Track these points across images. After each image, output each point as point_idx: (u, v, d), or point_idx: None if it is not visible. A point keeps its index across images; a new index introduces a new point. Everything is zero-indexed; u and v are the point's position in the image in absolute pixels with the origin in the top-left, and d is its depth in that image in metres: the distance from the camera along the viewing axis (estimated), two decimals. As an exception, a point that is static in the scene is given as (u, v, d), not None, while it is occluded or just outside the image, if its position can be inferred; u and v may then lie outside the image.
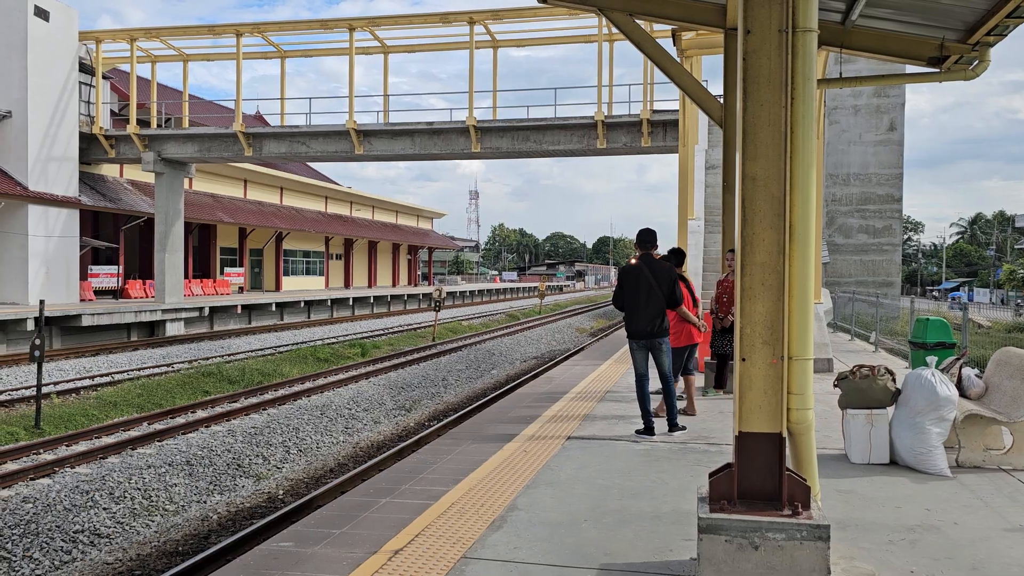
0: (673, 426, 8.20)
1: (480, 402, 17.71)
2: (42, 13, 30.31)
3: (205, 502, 10.98)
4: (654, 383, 8.68)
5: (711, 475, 4.36)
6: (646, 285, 8.15)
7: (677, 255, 9.90)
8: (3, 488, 10.76)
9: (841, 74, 11.70)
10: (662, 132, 28.46)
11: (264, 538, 8.30)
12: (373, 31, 31.13)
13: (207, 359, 24.25)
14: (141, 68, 34.34)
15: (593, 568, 4.55)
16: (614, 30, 25.02)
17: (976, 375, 7.67)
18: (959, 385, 7.48)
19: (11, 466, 11.77)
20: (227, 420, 15.51)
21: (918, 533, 5.17)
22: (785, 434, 4.27)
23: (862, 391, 7.15)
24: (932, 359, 7.16)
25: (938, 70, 9.32)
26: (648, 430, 8.12)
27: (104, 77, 34.20)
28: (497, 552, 4.80)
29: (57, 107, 31.19)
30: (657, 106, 28.76)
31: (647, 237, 8.47)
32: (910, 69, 10.36)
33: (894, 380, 7.19)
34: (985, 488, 6.26)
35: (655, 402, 8.97)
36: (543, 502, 5.82)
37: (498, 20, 29.81)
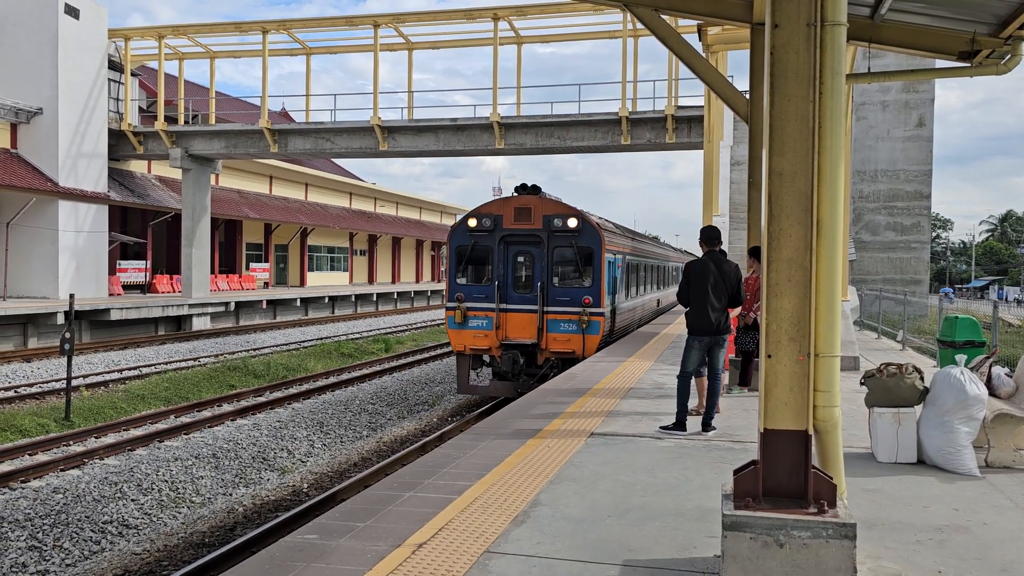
0: (707, 425, 8.16)
1: (502, 397, 17.73)
2: (72, 11, 30.69)
3: (231, 494, 11.09)
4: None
5: (736, 472, 4.33)
6: (712, 281, 8.08)
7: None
8: (34, 479, 10.93)
9: (870, 69, 11.56)
10: (687, 128, 28.29)
11: (289, 530, 8.37)
12: (398, 27, 31.20)
13: (233, 353, 24.49)
14: (169, 65, 34.67)
15: (616, 564, 4.54)
16: (639, 25, 24.88)
17: (1007, 374, 7.55)
18: (989, 384, 7.38)
19: (42, 457, 11.96)
20: (252, 414, 15.66)
21: (946, 533, 5.11)
22: (811, 431, 4.24)
23: (889, 389, 7.07)
24: (961, 357, 7.06)
25: (969, 65, 9.18)
26: (680, 425, 8.08)
27: (133, 74, 34.57)
28: (520, 547, 4.81)
29: (87, 104, 31.57)
30: (682, 102, 28.59)
31: (713, 234, 8.43)
32: (940, 64, 10.22)
33: (922, 378, 7.11)
34: (1015, 489, 6.17)
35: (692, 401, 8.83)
36: (566, 498, 5.82)
37: (522, 16, 29.77)
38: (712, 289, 8.08)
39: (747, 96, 10.36)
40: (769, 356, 4.27)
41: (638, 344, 17.01)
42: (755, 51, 9.89)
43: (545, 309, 15.30)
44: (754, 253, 9.91)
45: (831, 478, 4.22)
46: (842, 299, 4.66)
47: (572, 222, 15.28)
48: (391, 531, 5.07)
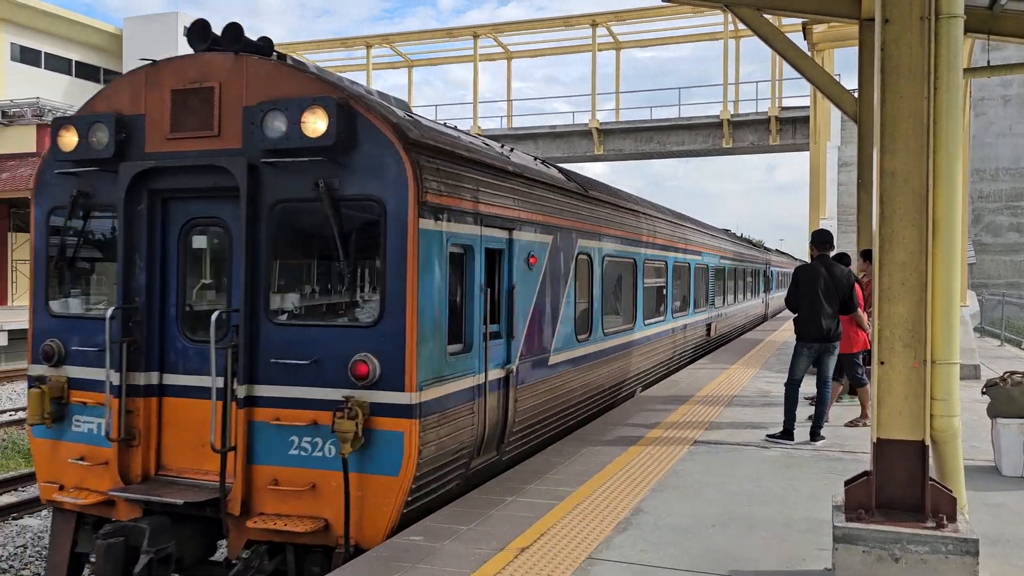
0: (816, 434, 7.93)
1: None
2: (190, 33, 32.40)
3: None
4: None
5: (847, 483, 4.21)
6: (824, 286, 7.89)
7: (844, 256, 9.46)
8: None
9: (989, 62, 11.00)
10: (791, 129, 27.58)
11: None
12: (497, 37, 31.62)
13: None
14: (278, 82, 36.12)
15: (722, 574, 4.46)
16: (740, 26, 24.42)
17: None
18: None
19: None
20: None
21: (1079, 552, 4.80)
22: (928, 442, 4.07)
23: (1014, 399, 6.71)
24: (1095, 366, 6.63)
25: (1101, 54, 8.63)
26: (788, 434, 7.88)
27: (245, 91, 36.17)
28: (623, 554, 4.78)
29: (203, 121, 33.17)
30: (786, 103, 27.95)
31: (824, 237, 8.23)
32: (1068, 54, 9.64)
33: (1051, 388, 6.71)
34: None
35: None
36: (669, 506, 5.75)
37: (621, 21, 29.72)
38: (823, 294, 7.86)
39: (856, 95, 10.03)
40: (882, 363, 4.14)
41: (742, 351, 16.63)
42: (864, 48, 9.57)
43: (247, 392, 5.58)
44: (866, 255, 9.56)
45: (950, 491, 4.04)
46: (960, 304, 4.47)
47: (317, 123, 5.38)
48: (494, 534, 5.13)
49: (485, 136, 29.48)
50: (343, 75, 7.16)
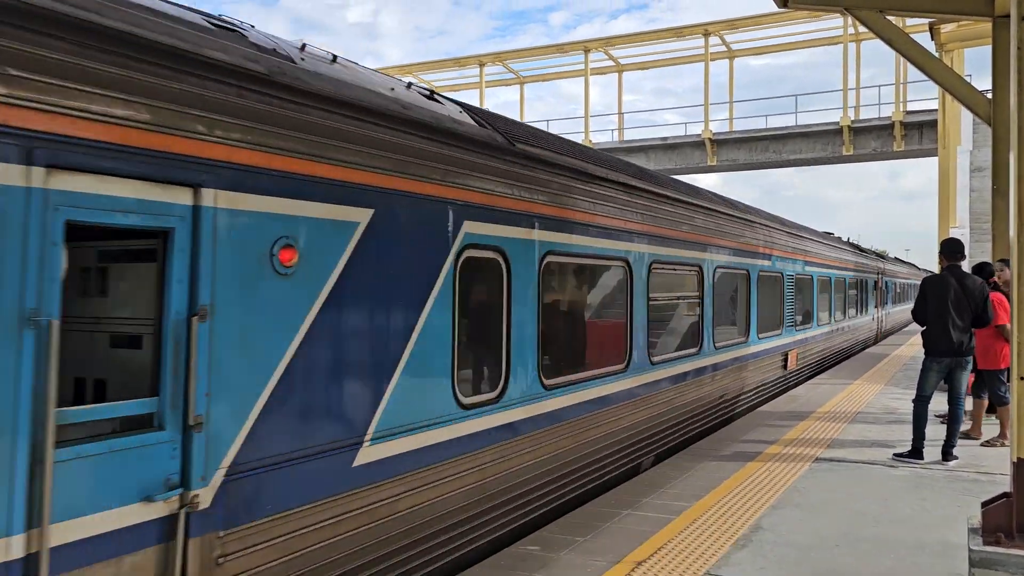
0: (948, 454, 7.55)
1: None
2: (311, 58, 33.76)
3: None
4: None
5: (984, 504, 4.01)
6: (955, 298, 7.54)
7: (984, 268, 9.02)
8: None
9: None
10: (918, 134, 26.40)
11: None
12: (607, 51, 31.66)
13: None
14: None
15: (847, 595, 4.32)
16: (861, 29, 23.62)
17: None
18: None
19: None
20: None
21: None
22: (1075, 462, 3.83)
23: None
24: None
25: None
26: (916, 453, 7.55)
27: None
28: (742, 571, 4.69)
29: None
30: (911, 106, 26.76)
31: (955, 247, 7.89)
32: None
33: None
34: None
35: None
36: (790, 523, 5.60)
37: (734, 30, 29.25)
38: (953, 306, 7.48)
39: (989, 96, 9.53)
40: (1021, 379, 3.92)
41: (865, 367, 15.97)
42: (998, 46, 9.09)
43: None
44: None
45: (1101, 515, 3.79)
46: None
47: None
48: (610, 547, 5.12)
49: (596, 147, 29.46)
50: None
